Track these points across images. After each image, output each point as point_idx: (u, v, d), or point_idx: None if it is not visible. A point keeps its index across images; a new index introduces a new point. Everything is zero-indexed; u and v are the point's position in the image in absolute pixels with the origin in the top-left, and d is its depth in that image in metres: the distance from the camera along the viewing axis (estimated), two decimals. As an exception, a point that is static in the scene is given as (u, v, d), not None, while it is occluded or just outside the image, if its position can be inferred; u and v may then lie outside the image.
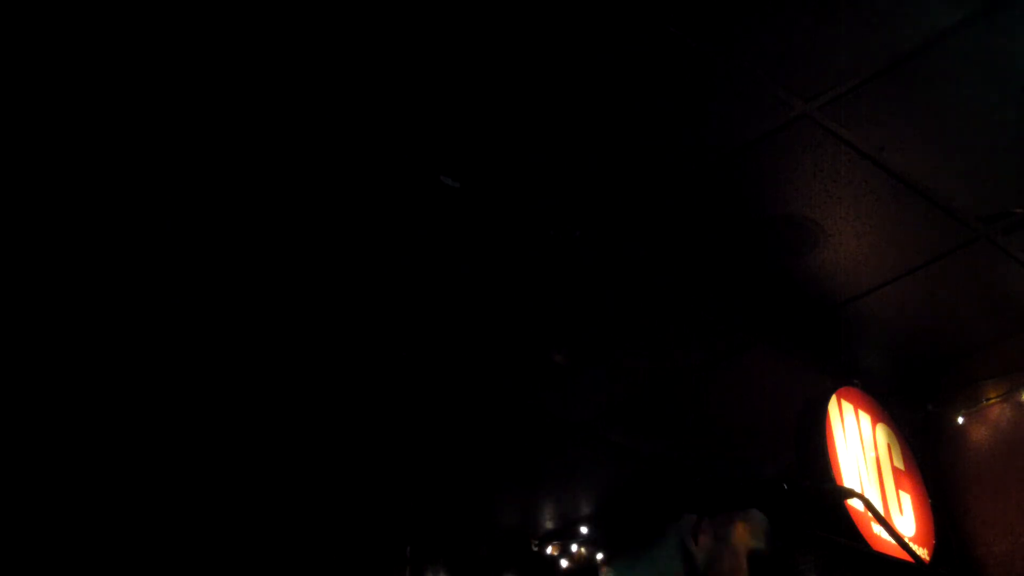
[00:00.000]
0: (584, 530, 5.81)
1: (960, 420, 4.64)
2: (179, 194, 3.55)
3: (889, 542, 3.98)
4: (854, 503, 3.91)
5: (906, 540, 4.05)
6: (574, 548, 5.85)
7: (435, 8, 3.04)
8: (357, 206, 3.67)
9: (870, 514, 3.88)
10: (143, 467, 4.61)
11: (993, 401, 4.59)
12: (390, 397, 4.63)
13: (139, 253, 3.74)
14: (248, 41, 3.08)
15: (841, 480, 4.02)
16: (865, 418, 4.39)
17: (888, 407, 4.57)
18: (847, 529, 3.90)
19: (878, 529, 3.97)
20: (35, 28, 2.96)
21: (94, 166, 3.41)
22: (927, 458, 4.61)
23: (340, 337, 4.25)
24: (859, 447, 4.24)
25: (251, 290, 3.97)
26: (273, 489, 5.07)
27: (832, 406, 4.21)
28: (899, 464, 4.42)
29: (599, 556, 5.70)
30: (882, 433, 4.44)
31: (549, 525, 5.88)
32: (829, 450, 4.07)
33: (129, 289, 3.87)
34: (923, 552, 4.24)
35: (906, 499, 4.33)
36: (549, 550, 5.79)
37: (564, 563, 5.84)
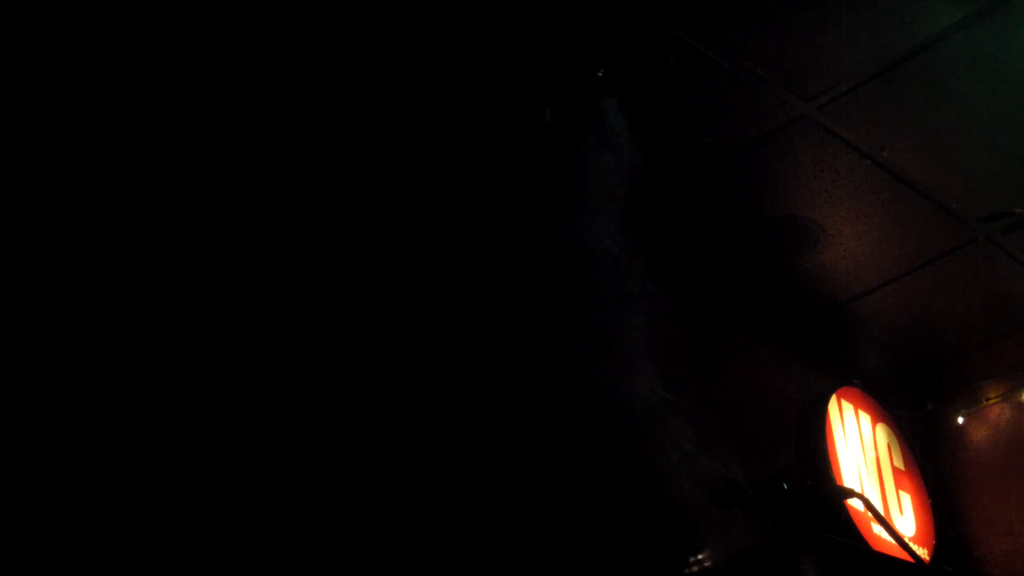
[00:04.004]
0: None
1: (960, 420, 4.64)
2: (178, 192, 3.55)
3: (889, 542, 3.98)
4: (854, 503, 3.91)
5: (906, 540, 4.06)
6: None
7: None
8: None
9: (870, 514, 3.88)
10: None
11: (993, 401, 4.59)
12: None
13: (136, 251, 3.74)
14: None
15: (841, 480, 4.02)
16: (865, 418, 4.39)
17: (888, 407, 4.57)
18: (847, 529, 3.90)
19: (878, 529, 3.97)
20: (32, 27, 2.96)
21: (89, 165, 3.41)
22: (927, 458, 4.61)
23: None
24: (859, 447, 4.24)
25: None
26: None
27: (832, 406, 4.22)
28: (899, 464, 4.42)
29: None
30: (882, 433, 4.44)
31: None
32: (829, 450, 4.07)
33: (126, 288, 3.86)
34: (923, 552, 4.24)
35: (906, 499, 4.33)
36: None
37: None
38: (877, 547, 3.94)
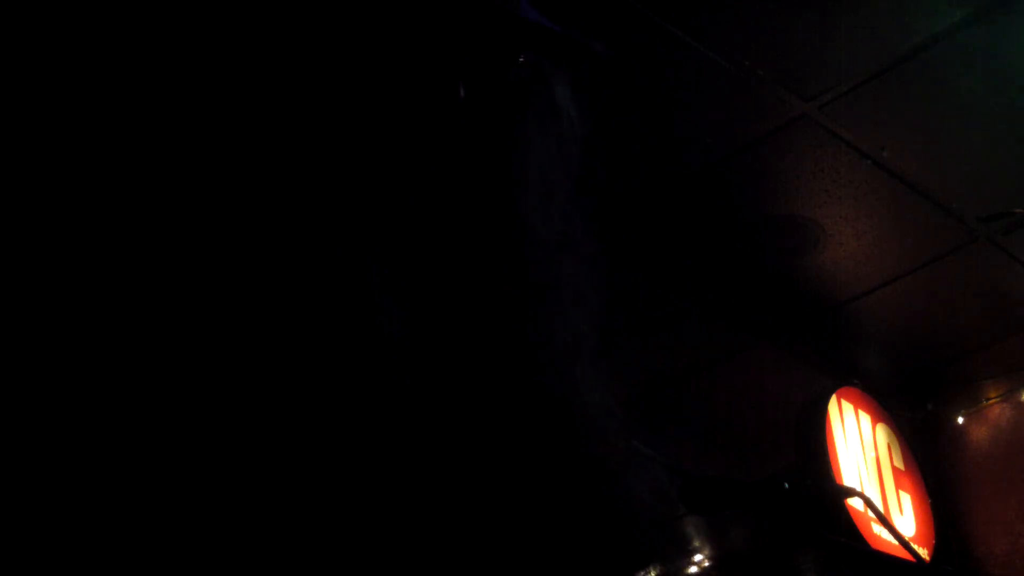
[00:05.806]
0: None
1: (960, 420, 4.64)
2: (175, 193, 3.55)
3: (889, 542, 3.98)
4: (854, 503, 3.91)
5: (906, 540, 4.06)
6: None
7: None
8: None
9: (870, 514, 3.88)
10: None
11: (993, 401, 4.59)
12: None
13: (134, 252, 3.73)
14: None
15: (841, 480, 4.02)
16: (865, 418, 4.39)
17: (888, 407, 4.57)
18: (847, 529, 3.91)
19: (878, 529, 3.98)
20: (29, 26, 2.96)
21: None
22: (927, 458, 4.61)
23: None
24: (859, 447, 4.25)
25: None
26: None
27: (832, 406, 4.22)
28: (899, 464, 4.42)
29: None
30: (882, 433, 4.44)
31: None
32: (829, 450, 4.07)
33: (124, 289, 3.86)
34: (923, 552, 4.24)
35: (906, 499, 4.33)
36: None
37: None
38: (877, 547, 3.94)
